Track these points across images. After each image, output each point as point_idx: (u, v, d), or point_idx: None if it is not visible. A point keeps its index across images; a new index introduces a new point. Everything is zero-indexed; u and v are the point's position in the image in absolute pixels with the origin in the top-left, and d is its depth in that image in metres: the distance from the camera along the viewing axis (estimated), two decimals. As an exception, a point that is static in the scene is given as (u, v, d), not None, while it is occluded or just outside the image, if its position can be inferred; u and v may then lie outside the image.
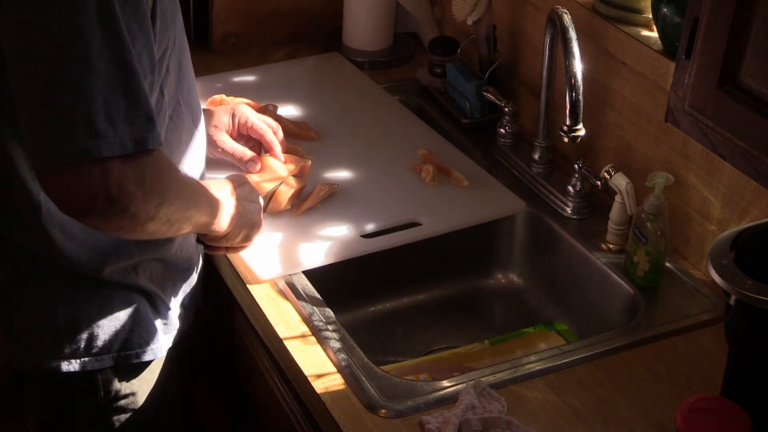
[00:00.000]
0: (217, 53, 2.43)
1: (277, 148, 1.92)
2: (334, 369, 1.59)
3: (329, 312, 1.69)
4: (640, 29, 1.84)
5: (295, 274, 1.76)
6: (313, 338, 1.65)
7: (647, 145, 1.86)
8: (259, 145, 1.95)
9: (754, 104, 1.18)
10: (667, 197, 1.74)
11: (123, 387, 1.63)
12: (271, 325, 1.67)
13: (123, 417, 1.65)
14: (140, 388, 1.65)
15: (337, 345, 1.63)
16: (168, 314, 1.68)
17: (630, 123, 1.90)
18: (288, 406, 1.71)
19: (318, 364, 1.60)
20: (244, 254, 1.78)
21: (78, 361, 1.57)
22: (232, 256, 1.79)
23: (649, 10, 1.80)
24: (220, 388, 2.02)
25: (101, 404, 1.62)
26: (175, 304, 1.70)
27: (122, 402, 1.64)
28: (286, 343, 1.64)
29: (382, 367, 1.61)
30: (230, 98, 2.08)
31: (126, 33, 1.32)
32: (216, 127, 1.90)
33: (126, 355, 1.60)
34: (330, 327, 1.66)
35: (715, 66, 1.22)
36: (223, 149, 1.90)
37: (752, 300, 1.32)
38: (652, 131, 1.85)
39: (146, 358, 1.63)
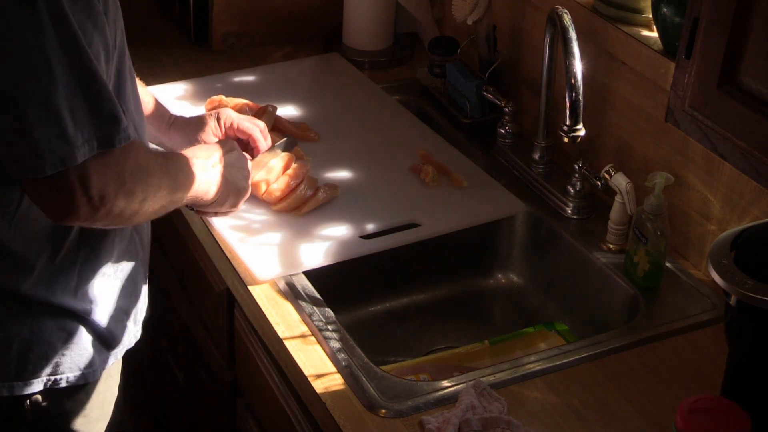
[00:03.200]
0: (217, 53, 2.43)
1: (263, 146, 1.91)
2: (334, 369, 1.59)
3: (329, 312, 1.69)
4: (640, 29, 1.84)
5: (295, 274, 1.76)
6: (313, 338, 1.65)
7: (647, 145, 1.86)
8: (247, 147, 1.94)
9: (754, 104, 1.18)
10: (667, 197, 1.74)
11: (54, 410, 1.59)
12: (271, 325, 1.67)
13: None
14: (73, 409, 1.61)
15: (337, 345, 1.63)
16: (107, 333, 1.61)
17: (630, 123, 1.90)
18: (288, 406, 1.71)
19: (318, 364, 1.60)
20: (244, 254, 1.78)
21: (6, 384, 1.53)
22: (232, 256, 1.79)
23: (649, 10, 1.80)
24: (221, 388, 2.01)
25: (32, 428, 1.58)
26: (117, 321, 1.63)
27: (55, 426, 1.60)
28: (286, 343, 1.64)
29: (382, 367, 1.61)
30: (229, 99, 2.08)
31: (80, 34, 1.32)
32: (205, 132, 1.90)
33: (56, 380, 1.56)
34: (330, 327, 1.66)
35: (715, 66, 1.22)
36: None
37: (752, 300, 1.32)
38: (652, 131, 1.85)
39: (78, 382, 1.58)
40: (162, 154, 1.56)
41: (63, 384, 1.56)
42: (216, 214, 1.73)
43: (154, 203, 1.46)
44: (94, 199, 1.36)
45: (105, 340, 1.61)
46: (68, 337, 1.55)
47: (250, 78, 2.30)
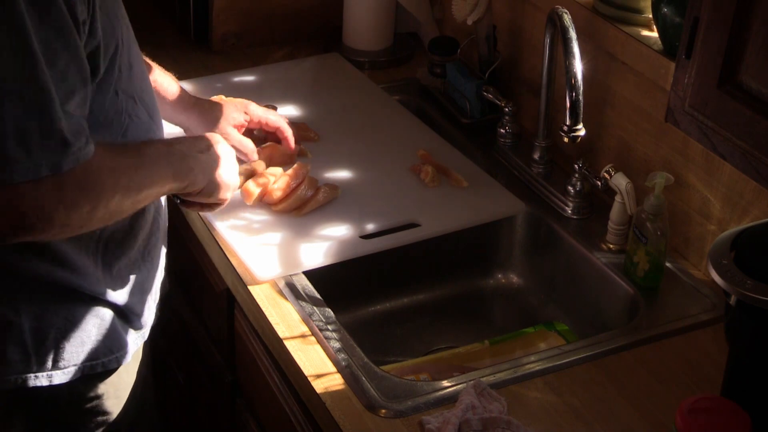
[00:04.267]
0: (217, 53, 2.43)
1: (291, 139, 2.00)
2: (334, 369, 1.59)
3: (329, 312, 1.69)
4: (640, 29, 1.84)
5: (295, 274, 1.76)
6: (313, 338, 1.65)
7: (647, 145, 1.86)
8: (264, 139, 2.03)
9: (754, 104, 1.18)
10: (667, 197, 1.74)
11: (89, 394, 1.62)
12: (271, 325, 1.67)
13: (93, 425, 1.64)
14: (107, 392, 1.64)
15: (337, 345, 1.63)
16: (135, 315, 1.65)
17: (630, 123, 1.90)
18: (288, 406, 1.71)
19: (318, 364, 1.60)
20: (244, 254, 1.78)
21: (45, 374, 1.55)
22: (232, 256, 1.79)
23: (649, 10, 1.80)
24: (220, 388, 2.02)
25: (68, 414, 1.61)
26: (142, 303, 1.67)
27: (90, 409, 1.63)
28: (286, 343, 1.64)
29: (382, 367, 1.61)
30: (228, 99, 2.08)
31: (40, 54, 1.30)
32: (224, 118, 1.94)
33: (92, 365, 1.59)
34: (330, 327, 1.66)
35: (715, 66, 1.22)
36: (231, 143, 1.90)
37: (752, 300, 1.32)
38: (652, 131, 1.85)
39: (112, 366, 1.62)
40: (138, 150, 1.51)
41: (99, 369, 1.60)
42: (203, 207, 1.70)
43: (110, 206, 1.43)
44: (29, 218, 1.34)
45: (133, 322, 1.65)
46: (101, 323, 1.59)
47: (250, 78, 2.30)
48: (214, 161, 1.63)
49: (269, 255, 1.79)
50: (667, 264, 1.78)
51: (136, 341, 1.66)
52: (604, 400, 1.55)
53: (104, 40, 1.43)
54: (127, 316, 1.63)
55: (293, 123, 2.10)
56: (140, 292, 1.66)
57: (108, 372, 1.63)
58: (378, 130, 2.15)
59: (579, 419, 1.52)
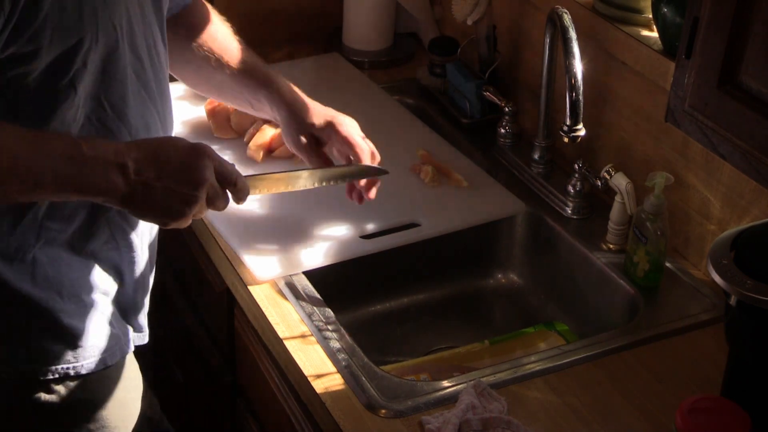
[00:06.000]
0: (217, 53, 2.43)
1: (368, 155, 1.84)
2: (334, 369, 1.59)
3: (329, 312, 1.69)
4: (640, 29, 1.84)
5: (295, 274, 1.76)
6: (313, 338, 1.65)
7: (647, 145, 1.86)
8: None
9: (754, 104, 1.18)
10: (667, 197, 1.74)
11: (77, 395, 1.56)
12: (271, 325, 1.67)
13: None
14: (97, 394, 1.59)
15: (337, 345, 1.63)
16: (122, 319, 1.60)
17: (630, 123, 1.90)
18: (288, 406, 1.71)
19: (318, 364, 1.60)
20: (244, 254, 1.78)
21: (30, 368, 1.51)
22: (232, 256, 1.79)
23: (649, 10, 1.80)
24: (220, 388, 2.02)
25: (56, 414, 1.56)
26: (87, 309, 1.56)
27: (79, 411, 1.58)
28: (286, 343, 1.64)
29: (382, 367, 1.61)
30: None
31: None
32: (289, 126, 1.82)
33: (75, 367, 1.54)
34: (330, 327, 1.66)
35: (715, 66, 1.22)
36: (296, 149, 1.82)
37: (752, 300, 1.32)
38: (652, 131, 1.85)
39: (98, 368, 1.56)
40: (34, 136, 1.36)
41: (83, 371, 1.54)
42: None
43: None
44: None
45: (121, 325, 1.60)
46: (83, 323, 1.53)
47: (250, 78, 2.30)
48: (146, 181, 1.39)
49: (269, 255, 1.79)
50: (667, 264, 1.78)
51: (124, 347, 1.60)
52: (604, 400, 1.55)
53: (51, 31, 1.35)
54: (115, 319, 1.58)
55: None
56: (73, 294, 1.54)
57: (96, 375, 1.56)
58: (378, 130, 2.15)
59: (579, 419, 1.52)
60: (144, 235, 1.61)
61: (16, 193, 1.37)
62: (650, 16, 1.80)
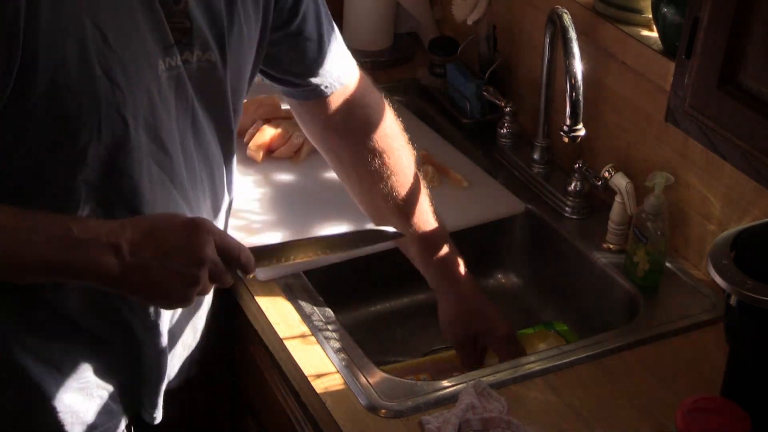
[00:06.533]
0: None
1: None
2: (334, 369, 1.59)
3: (329, 312, 1.69)
4: (640, 29, 1.84)
5: (295, 274, 1.76)
6: (313, 338, 1.65)
7: (647, 145, 1.86)
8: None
9: (754, 104, 1.18)
10: (667, 197, 1.74)
11: None
12: (271, 325, 1.67)
13: None
14: None
15: (337, 345, 1.63)
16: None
17: (630, 123, 1.90)
18: (288, 406, 1.71)
19: (318, 364, 1.60)
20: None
21: None
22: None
23: (649, 10, 1.80)
24: (220, 388, 2.01)
25: None
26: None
27: None
28: (286, 343, 1.64)
29: (382, 367, 1.61)
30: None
31: None
32: (446, 315, 1.72)
33: None
34: (330, 327, 1.66)
35: (715, 66, 1.22)
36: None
37: (752, 300, 1.32)
38: (652, 131, 1.85)
39: None
40: (13, 215, 1.27)
41: None
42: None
43: None
44: None
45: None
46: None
47: (250, 78, 2.30)
48: (142, 263, 1.29)
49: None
50: (667, 264, 1.78)
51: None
52: (604, 400, 1.55)
53: (41, 118, 1.25)
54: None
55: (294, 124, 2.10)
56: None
57: None
58: (378, 130, 2.15)
59: (579, 419, 1.52)
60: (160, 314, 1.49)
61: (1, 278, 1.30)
62: (650, 16, 1.80)
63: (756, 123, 1.18)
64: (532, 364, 1.61)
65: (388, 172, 1.69)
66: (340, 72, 1.63)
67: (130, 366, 1.51)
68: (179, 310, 1.53)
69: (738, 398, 1.39)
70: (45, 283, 1.36)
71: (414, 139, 2.11)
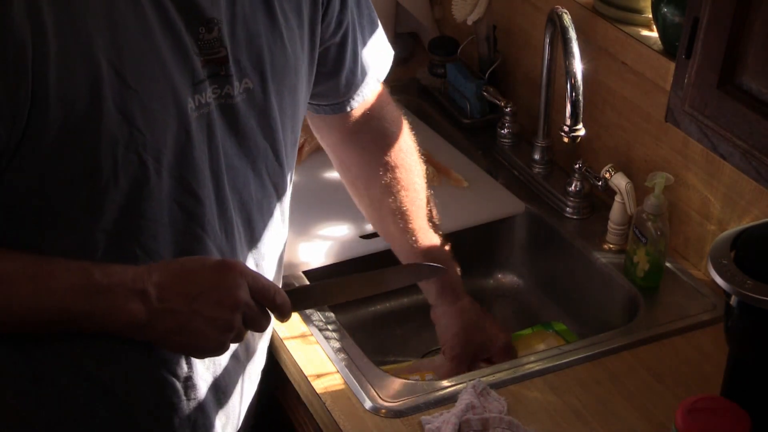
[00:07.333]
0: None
1: None
2: (334, 369, 1.59)
3: (329, 312, 1.69)
4: (640, 29, 1.84)
5: (295, 274, 1.76)
6: (313, 338, 1.65)
7: (647, 145, 1.86)
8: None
9: (754, 104, 1.18)
10: (667, 197, 1.74)
11: None
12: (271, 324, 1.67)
13: None
14: None
15: (337, 345, 1.63)
16: None
17: (630, 123, 1.90)
18: (288, 406, 1.71)
19: (318, 364, 1.60)
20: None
21: None
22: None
23: (649, 10, 1.80)
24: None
25: None
26: None
27: None
28: (286, 343, 1.64)
29: (381, 367, 1.61)
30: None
31: None
32: (444, 337, 1.68)
33: None
34: (330, 327, 1.66)
35: (715, 66, 1.22)
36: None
37: (752, 300, 1.32)
38: (652, 131, 1.85)
39: None
40: (32, 263, 1.22)
41: None
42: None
43: None
44: None
45: None
46: None
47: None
48: (172, 308, 1.23)
49: (269, 255, 1.79)
50: (667, 264, 1.78)
51: None
52: (604, 400, 1.55)
53: (54, 161, 1.18)
54: None
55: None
56: None
57: None
58: (378, 130, 2.15)
59: (579, 419, 1.52)
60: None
61: (16, 330, 1.24)
62: (650, 16, 1.80)
63: (756, 123, 1.18)
64: (531, 364, 1.61)
65: (398, 187, 1.65)
66: (368, 90, 1.57)
67: None
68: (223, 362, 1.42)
69: (738, 398, 1.39)
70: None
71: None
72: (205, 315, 1.23)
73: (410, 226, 1.66)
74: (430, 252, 1.67)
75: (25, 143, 1.16)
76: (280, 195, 1.44)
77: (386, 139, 1.64)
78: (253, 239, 1.40)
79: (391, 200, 1.66)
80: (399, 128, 1.66)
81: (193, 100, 1.25)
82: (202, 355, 1.32)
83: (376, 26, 1.58)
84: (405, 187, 1.66)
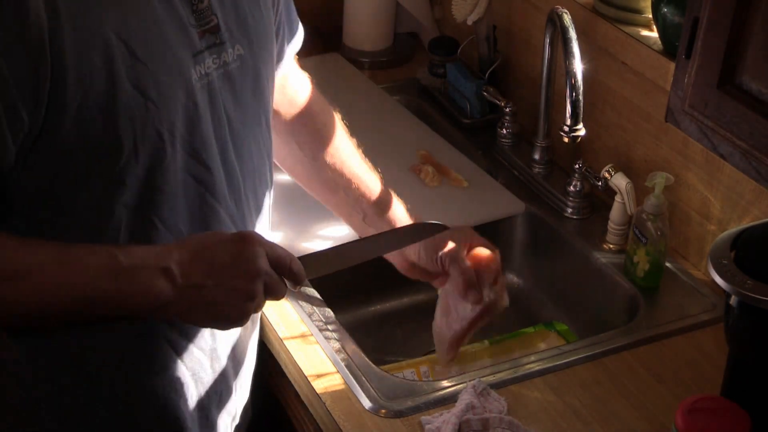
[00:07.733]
0: (217, 53, 2.42)
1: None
2: (334, 369, 1.59)
3: (329, 312, 1.69)
4: (640, 29, 1.84)
5: (295, 274, 1.76)
6: (313, 338, 1.65)
7: (647, 145, 1.86)
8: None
9: (754, 104, 1.18)
10: (667, 197, 1.74)
11: None
12: (271, 325, 1.67)
13: None
14: None
15: (337, 345, 1.63)
16: None
17: (630, 123, 1.90)
18: (288, 406, 1.71)
19: (318, 364, 1.60)
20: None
21: None
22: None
23: (649, 10, 1.80)
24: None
25: None
26: None
27: None
28: (286, 343, 1.64)
29: (382, 367, 1.61)
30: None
31: None
32: (414, 252, 1.60)
33: None
34: (330, 327, 1.66)
35: (715, 66, 1.22)
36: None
37: (752, 300, 1.32)
38: (652, 131, 1.85)
39: None
40: (56, 249, 1.23)
41: None
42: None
43: None
44: None
45: None
46: None
47: (250, 78, 2.30)
48: (197, 283, 1.25)
49: (269, 255, 1.78)
50: (667, 264, 1.78)
51: None
52: (604, 400, 1.55)
53: (75, 141, 1.19)
54: None
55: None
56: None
57: None
58: (378, 131, 2.15)
59: (579, 419, 1.52)
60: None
61: (43, 323, 1.26)
62: (650, 16, 1.80)
63: (756, 123, 1.18)
64: (532, 364, 1.61)
65: (331, 158, 1.65)
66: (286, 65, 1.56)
67: None
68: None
69: (738, 398, 1.39)
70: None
71: (414, 139, 2.12)
72: (228, 286, 1.26)
73: (353, 183, 1.64)
74: (380, 200, 1.64)
75: (47, 125, 1.17)
76: (270, 162, 1.48)
77: (299, 111, 1.62)
78: (257, 206, 1.45)
79: (329, 172, 1.64)
80: (306, 95, 1.63)
81: (195, 71, 1.28)
82: (226, 326, 1.35)
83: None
84: (332, 154, 1.65)
